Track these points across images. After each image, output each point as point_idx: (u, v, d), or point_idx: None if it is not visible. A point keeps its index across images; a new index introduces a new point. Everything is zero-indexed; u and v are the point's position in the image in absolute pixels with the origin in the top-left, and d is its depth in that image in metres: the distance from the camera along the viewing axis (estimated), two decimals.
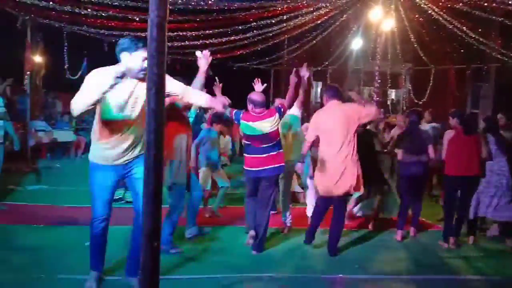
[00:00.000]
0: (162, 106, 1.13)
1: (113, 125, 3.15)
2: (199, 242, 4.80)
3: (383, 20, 10.55)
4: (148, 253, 1.12)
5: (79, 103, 2.97)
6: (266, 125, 4.51)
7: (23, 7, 8.91)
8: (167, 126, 3.92)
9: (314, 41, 13.03)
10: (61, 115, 11.89)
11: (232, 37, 11.10)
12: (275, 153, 4.55)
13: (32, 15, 9.59)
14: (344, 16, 11.27)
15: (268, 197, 4.58)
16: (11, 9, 9.09)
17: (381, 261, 4.62)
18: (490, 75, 16.76)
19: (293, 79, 4.88)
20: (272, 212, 4.97)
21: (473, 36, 11.21)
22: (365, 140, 5.34)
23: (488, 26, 11.71)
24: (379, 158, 5.86)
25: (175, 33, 10.32)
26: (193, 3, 8.38)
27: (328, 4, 9.94)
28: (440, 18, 10.90)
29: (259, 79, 5.08)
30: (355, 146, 4.56)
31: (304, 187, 6.37)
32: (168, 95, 3.30)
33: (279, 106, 4.72)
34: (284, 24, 11.08)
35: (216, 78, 4.89)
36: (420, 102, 15.04)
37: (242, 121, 4.60)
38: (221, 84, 4.82)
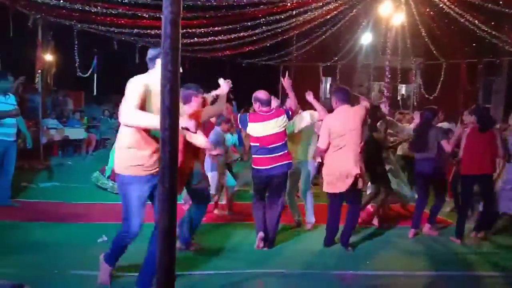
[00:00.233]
0: (177, 103, 1.13)
1: (155, 132, 3.05)
2: (211, 238, 4.82)
3: (393, 14, 10.46)
4: (164, 250, 1.12)
5: (139, 116, 2.89)
6: (274, 125, 4.49)
7: (34, 6, 8.99)
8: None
9: (324, 36, 12.96)
10: (72, 113, 11.98)
11: (241, 34, 11.08)
12: (283, 152, 4.55)
13: (43, 14, 9.67)
14: (354, 11, 11.18)
15: (278, 195, 4.60)
16: (22, 8, 9.17)
17: (392, 257, 4.59)
18: (502, 69, 16.50)
19: (286, 81, 4.83)
20: None
21: (485, 29, 11.05)
22: (373, 139, 5.39)
23: (500, 19, 11.52)
24: (385, 156, 5.84)
25: (184, 30, 10.33)
26: (202, 0, 8.36)
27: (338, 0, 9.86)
28: (452, 12, 10.76)
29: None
30: (362, 144, 4.60)
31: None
32: None
33: (288, 109, 4.67)
34: (293, 20, 11.02)
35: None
36: (431, 97, 14.90)
37: (250, 123, 4.56)
38: (229, 81, 4.68)
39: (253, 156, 4.70)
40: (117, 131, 11.63)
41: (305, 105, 5.52)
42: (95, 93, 12.90)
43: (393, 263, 4.43)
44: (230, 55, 13.70)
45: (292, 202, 5.50)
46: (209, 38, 10.82)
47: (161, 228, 1.13)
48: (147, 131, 3.05)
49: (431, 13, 11.27)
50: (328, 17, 11.51)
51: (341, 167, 4.48)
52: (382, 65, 13.70)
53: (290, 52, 15.89)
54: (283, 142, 4.56)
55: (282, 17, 10.56)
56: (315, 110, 5.16)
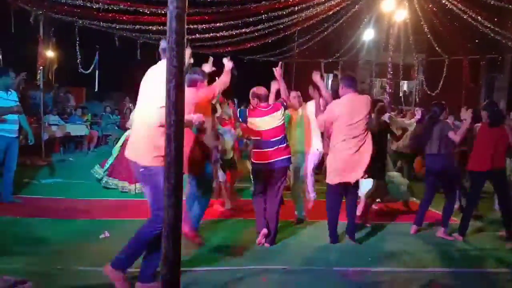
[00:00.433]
0: (182, 99, 1.12)
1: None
2: (212, 234, 4.81)
3: (395, 10, 10.41)
4: (169, 245, 1.11)
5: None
6: (274, 119, 4.55)
7: (35, 2, 8.97)
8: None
9: (325, 33, 12.91)
10: (74, 109, 11.97)
11: (243, 30, 11.04)
12: (283, 145, 4.60)
13: (44, 10, 9.65)
14: (356, 6, 11.13)
15: (278, 189, 4.63)
16: (23, 4, 9.15)
17: (394, 254, 4.58)
18: (505, 66, 16.41)
19: (278, 71, 4.89)
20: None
21: (488, 25, 10.99)
22: (378, 132, 5.27)
23: (504, 15, 11.46)
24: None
25: (186, 26, 10.28)
26: None
27: None
28: (454, 8, 10.70)
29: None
30: (369, 135, 4.58)
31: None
32: None
33: (283, 101, 4.74)
34: (295, 16, 10.98)
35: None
36: (433, 94, 14.84)
37: (250, 118, 4.60)
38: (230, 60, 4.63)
39: (253, 150, 4.72)
40: (118, 127, 11.74)
41: (307, 99, 5.54)
42: (96, 89, 12.88)
43: (395, 259, 4.42)
44: (232, 51, 13.68)
45: (296, 198, 5.49)
46: (211, 34, 10.79)
47: (166, 223, 1.13)
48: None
49: (434, 9, 11.21)
50: (330, 13, 11.47)
51: (348, 158, 4.48)
52: (384, 62, 13.67)
53: (291, 48, 15.84)
54: (283, 135, 4.63)
55: (284, 13, 10.52)
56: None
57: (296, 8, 10.43)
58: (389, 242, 4.97)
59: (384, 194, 5.80)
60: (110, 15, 9.68)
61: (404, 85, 18.52)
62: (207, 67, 4.56)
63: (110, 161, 6.96)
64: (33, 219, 5.09)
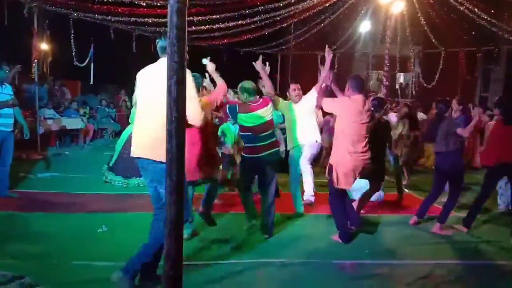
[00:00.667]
0: (184, 95, 1.10)
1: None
2: (207, 228, 4.80)
3: (392, 2, 10.37)
4: (172, 242, 1.10)
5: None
6: (264, 114, 4.58)
7: None
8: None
9: (322, 25, 12.85)
10: (69, 103, 11.89)
11: (239, 22, 10.96)
12: (273, 140, 4.67)
13: (38, 2, 9.52)
14: None
15: (272, 181, 4.68)
16: None
17: (392, 246, 4.60)
18: (501, 58, 16.40)
19: (259, 64, 4.95)
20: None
21: (485, 17, 10.97)
22: (378, 131, 5.16)
23: (500, 7, 11.44)
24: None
25: None
26: None
27: None
28: (451, 0, 10.67)
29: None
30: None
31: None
32: None
33: (270, 96, 4.85)
34: (292, 8, 10.91)
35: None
36: (430, 86, 14.86)
37: (240, 114, 4.59)
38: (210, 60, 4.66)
39: (244, 145, 4.72)
40: (114, 120, 11.71)
41: (305, 91, 5.53)
42: (92, 82, 12.78)
43: (393, 252, 4.44)
44: (228, 44, 13.60)
45: (295, 191, 5.49)
46: (207, 27, 10.71)
47: (169, 220, 1.11)
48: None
49: (431, 1, 11.17)
50: (327, 5, 11.40)
51: (357, 161, 4.42)
52: (381, 54, 13.64)
53: (288, 40, 15.77)
54: (272, 130, 4.69)
55: (281, 4, 10.45)
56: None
57: (293, 0, 10.38)
58: (387, 234, 4.99)
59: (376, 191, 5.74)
60: (105, 7, 9.57)
61: (401, 77, 18.49)
62: (210, 67, 4.50)
63: (114, 157, 6.95)
64: (30, 214, 5.08)
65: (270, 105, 4.66)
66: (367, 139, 4.49)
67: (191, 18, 10.36)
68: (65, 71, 14.00)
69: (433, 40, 13.36)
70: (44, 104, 10.70)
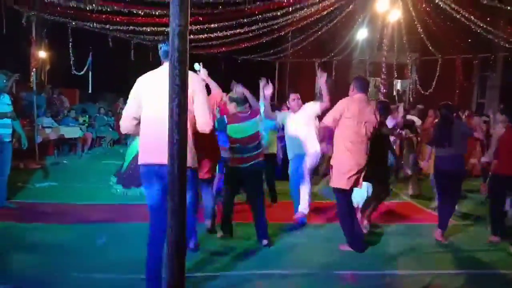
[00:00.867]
0: (185, 118, 1.10)
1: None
2: (210, 238, 4.79)
3: (389, 10, 10.43)
4: (174, 266, 1.10)
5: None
6: (253, 125, 4.63)
7: (28, 3, 8.87)
8: None
9: (319, 33, 12.92)
10: (68, 111, 11.87)
11: (237, 30, 11.01)
12: (260, 151, 4.73)
13: (37, 11, 9.55)
14: (350, 6, 11.15)
15: (261, 190, 4.80)
16: (16, 5, 9.05)
17: (393, 256, 4.58)
18: (497, 65, 16.51)
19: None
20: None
21: (481, 25, 11.05)
22: (379, 138, 5.04)
23: (496, 15, 11.52)
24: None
25: None
26: None
27: None
28: (447, 7, 10.75)
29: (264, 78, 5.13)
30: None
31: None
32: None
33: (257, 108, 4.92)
34: (290, 16, 10.97)
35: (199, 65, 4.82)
36: (427, 93, 14.90)
37: (229, 125, 4.62)
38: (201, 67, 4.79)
39: (231, 156, 4.72)
40: (112, 128, 11.67)
41: (303, 99, 5.56)
42: (90, 91, 12.79)
43: (394, 262, 4.43)
44: (226, 52, 13.63)
45: (295, 200, 5.48)
46: (205, 35, 10.75)
47: (170, 242, 1.11)
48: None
49: (427, 9, 11.25)
50: (324, 13, 11.47)
51: (358, 160, 4.42)
52: (378, 61, 13.68)
53: (286, 48, 15.83)
54: (259, 140, 4.75)
55: (278, 13, 10.51)
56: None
57: (290, 9, 10.43)
58: (387, 244, 4.96)
59: (386, 196, 5.73)
60: (103, 16, 9.59)
61: (398, 84, 18.54)
62: (203, 72, 4.55)
63: (125, 166, 6.94)
64: (28, 225, 5.04)
65: (258, 116, 4.74)
66: (368, 141, 4.45)
67: (190, 27, 10.40)
68: (63, 80, 14.00)
69: (430, 48, 13.43)
70: (42, 112, 10.68)
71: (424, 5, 11.04)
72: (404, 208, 6.53)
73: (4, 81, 5.75)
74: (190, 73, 3.40)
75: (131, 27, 10.66)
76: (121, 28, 10.76)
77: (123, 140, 12.17)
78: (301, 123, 5.39)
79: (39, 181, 7.54)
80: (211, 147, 4.52)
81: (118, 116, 13.43)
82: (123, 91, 13.21)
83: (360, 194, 5.27)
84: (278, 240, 4.80)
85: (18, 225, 5.02)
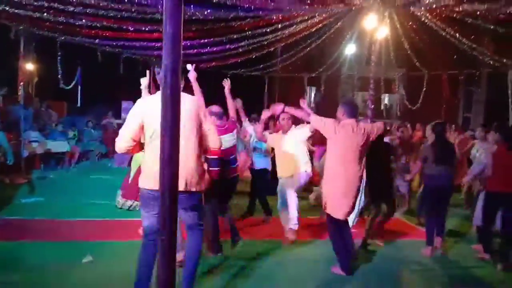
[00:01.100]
0: (177, 155, 1.11)
1: None
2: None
3: (377, 27, 10.60)
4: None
5: None
6: (231, 138, 4.73)
7: (16, 17, 8.84)
8: None
9: (308, 48, 13.07)
10: (55, 125, 11.75)
11: (227, 46, 11.09)
12: (236, 165, 4.87)
13: (25, 25, 9.50)
14: (339, 23, 11.31)
15: (227, 204, 4.99)
16: (4, 20, 9.00)
17: (386, 276, 4.58)
18: (482, 80, 16.91)
19: (226, 85, 5.13)
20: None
21: (466, 42, 11.30)
22: (379, 152, 4.96)
23: (480, 32, 11.81)
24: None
25: None
26: (188, 13, 8.34)
27: (323, 14, 9.95)
28: (434, 25, 10.97)
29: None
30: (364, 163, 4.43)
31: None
32: None
33: (235, 121, 5.05)
34: (279, 33, 11.09)
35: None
36: (414, 108, 15.13)
37: None
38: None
39: (211, 169, 4.55)
40: (100, 142, 11.53)
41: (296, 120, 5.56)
42: (79, 104, 12.70)
43: (387, 281, 4.42)
44: (215, 66, 13.69)
45: (285, 219, 5.46)
46: (195, 51, 10.80)
47: (161, 281, 1.10)
48: None
49: (414, 26, 11.48)
50: (313, 30, 11.62)
51: (351, 187, 4.32)
52: (366, 76, 13.85)
53: (275, 63, 15.96)
54: (235, 155, 4.88)
55: (268, 30, 10.62)
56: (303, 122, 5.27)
57: (280, 25, 10.55)
58: (380, 263, 4.95)
59: (394, 212, 5.72)
60: (93, 31, 9.59)
61: (386, 99, 18.79)
62: (192, 74, 4.49)
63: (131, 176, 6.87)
64: (13, 243, 4.94)
65: (235, 131, 4.87)
66: (362, 162, 4.36)
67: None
68: (51, 92, 13.90)
69: (417, 63, 13.67)
70: (29, 126, 10.55)
71: (411, 23, 11.25)
72: (392, 224, 6.54)
73: None
74: (189, 96, 3.44)
75: (120, 42, 10.67)
76: (109, 43, 10.76)
77: (111, 154, 12.07)
78: (291, 145, 5.39)
79: (25, 196, 7.42)
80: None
81: (106, 130, 13.36)
82: (113, 105, 13.20)
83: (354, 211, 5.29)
84: (268, 257, 4.77)
85: (2, 244, 4.89)
